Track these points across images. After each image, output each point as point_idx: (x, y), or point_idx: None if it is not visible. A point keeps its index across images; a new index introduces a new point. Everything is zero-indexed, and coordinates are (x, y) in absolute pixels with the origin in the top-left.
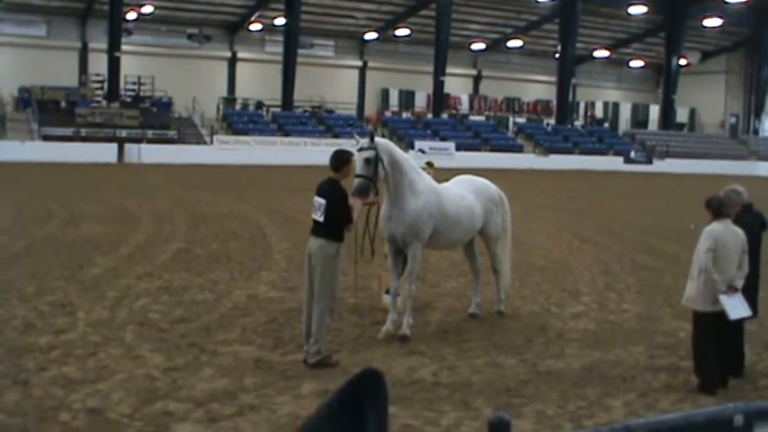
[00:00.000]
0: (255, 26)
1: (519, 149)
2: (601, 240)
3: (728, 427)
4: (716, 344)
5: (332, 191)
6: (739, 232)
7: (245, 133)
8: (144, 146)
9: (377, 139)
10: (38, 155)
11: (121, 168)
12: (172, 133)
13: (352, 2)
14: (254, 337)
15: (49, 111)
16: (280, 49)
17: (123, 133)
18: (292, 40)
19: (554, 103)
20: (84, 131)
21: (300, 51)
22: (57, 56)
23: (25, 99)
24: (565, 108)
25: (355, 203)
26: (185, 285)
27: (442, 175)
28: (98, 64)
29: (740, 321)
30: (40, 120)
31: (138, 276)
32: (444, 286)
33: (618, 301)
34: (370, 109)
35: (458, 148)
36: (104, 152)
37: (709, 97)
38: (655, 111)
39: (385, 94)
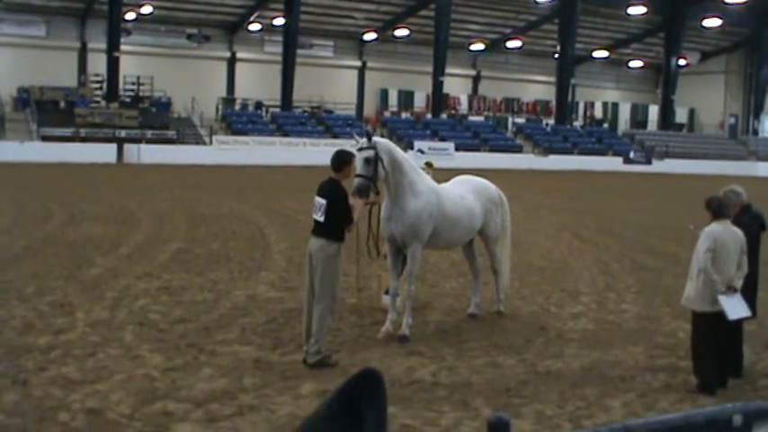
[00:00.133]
0: (255, 26)
1: (518, 150)
2: (600, 240)
3: (728, 427)
4: (715, 344)
5: (333, 191)
6: (738, 233)
7: (245, 133)
8: (143, 146)
9: (377, 138)
10: (37, 155)
11: (121, 168)
12: (171, 133)
13: (352, 2)
14: (253, 338)
15: (48, 111)
16: (279, 49)
17: (122, 133)
18: (291, 40)
19: (553, 103)
20: (83, 132)
21: (300, 52)
22: (56, 56)
23: (24, 99)
24: (564, 108)
25: (356, 203)
26: (185, 285)
27: (442, 175)
28: (97, 64)
29: (739, 322)
30: (39, 120)
31: (137, 276)
32: (443, 286)
33: (617, 301)
34: (370, 109)
35: (457, 149)
36: (104, 152)
37: (708, 97)
38: (654, 111)
39: (384, 94)
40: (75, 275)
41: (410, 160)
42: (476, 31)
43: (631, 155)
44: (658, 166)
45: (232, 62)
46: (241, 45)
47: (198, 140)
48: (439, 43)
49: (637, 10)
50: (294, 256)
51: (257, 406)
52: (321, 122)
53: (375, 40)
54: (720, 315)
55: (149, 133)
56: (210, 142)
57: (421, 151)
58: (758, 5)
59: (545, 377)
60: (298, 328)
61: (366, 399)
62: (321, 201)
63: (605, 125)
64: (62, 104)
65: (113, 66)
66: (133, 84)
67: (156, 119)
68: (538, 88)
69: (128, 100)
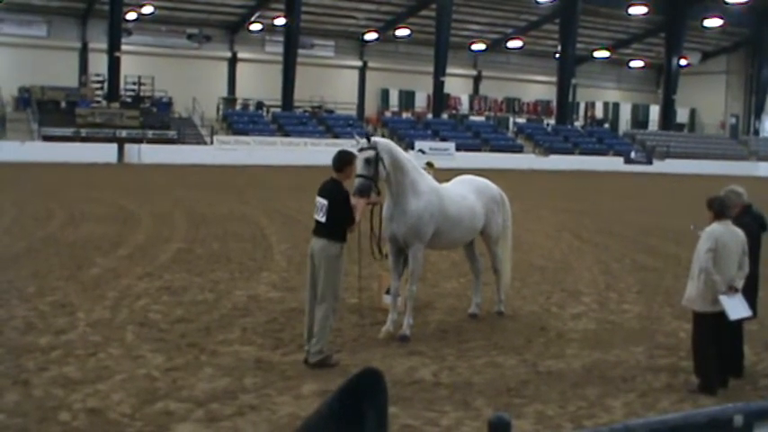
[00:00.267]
0: (255, 26)
1: (519, 150)
2: (601, 240)
3: (728, 427)
4: (716, 344)
5: (334, 191)
6: (740, 233)
7: (246, 133)
8: (144, 146)
9: (377, 139)
10: (38, 155)
11: (121, 169)
12: (172, 133)
13: (353, 2)
14: (254, 338)
15: (49, 111)
16: (280, 49)
17: (123, 133)
18: (292, 40)
19: (554, 103)
20: (84, 132)
21: (300, 51)
22: (57, 56)
23: (25, 99)
24: (565, 108)
25: (358, 204)
26: (185, 285)
27: (443, 175)
28: (98, 64)
29: (740, 322)
30: (40, 120)
31: (138, 276)
32: (444, 286)
33: (618, 301)
34: (371, 109)
35: (458, 149)
36: (104, 152)
37: (709, 98)
38: (655, 111)
39: (385, 94)
40: (75, 275)
41: (412, 160)
42: (477, 31)
43: (632, 155)
44: (659, 166)
45: (233, 62)
46: (242, 45)
47: (199, 140)
48: (440, 43)
49: (637, 10)
50: (295, 257)
51: (258, 406)
52: (322, 122)
53: (376, 40)
54: (721, 315)
55: (150, 133)
56: (211, 142)
57: (422, 151)
58: (759, 5)
59: (546, 377)
60: (298, 328)
61: (367, 398)
62: (323, 201)
63: (606, 125)
64: (63, 104)
65: (114, 66)
66: (134, 84)
67: (157, 119)
68: (539, 88)
69: (129, 100)
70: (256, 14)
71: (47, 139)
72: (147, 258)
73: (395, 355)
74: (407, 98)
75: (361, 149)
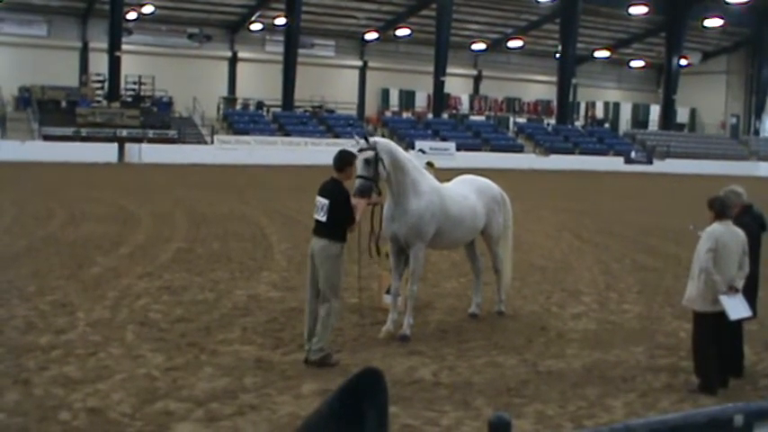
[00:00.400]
0: (256, 26)
1: (519, 149)
2: (601, 240)
3: (728, 427)
4: (716, 344)
5: (335, 191)
6: (740, 233)
7: (246, 133)
8: (144, 146)
9: (377, 139)
10: (38, 155)
11: (122, 168)
12: (172, 133)
13: (353, 2)
14: (254, 337)
15: (49, 110)
16: (280, 48)
17: (124, 133)
18: (293, 39)
19: (554, 103)
20: (84, 131)
21: (301, 51)
22: (57, 55)
23: (26, 99)
24: (565, 108)
25: (358, 204)
26: (186, 285)
27: (443, 175)
28: (98, 64)
29: (740, 322)
30: (40, 119)
31: (138, 276)
32: (444, 286)
33: (618, 301)
34: (371, 109)
35: (458, 149)
36: (105, 152)
37: (709, 97)
38: (655, 111)
39: (385, 94)
40: (76, 275)
41: (412, 160)
42: (477, 30)
43: (632, 155)
44: (659, 166)
45: (233, 62)
46: (242, 45)
47: (199, 140)
48: (440, 43)
49: (638, 10)
50: (295, 256)
51: (258, 405)
52: (322, 122)
53: (376, 39)
54: (722, 315)
55: (150, 133)
56: (212, 142)
57: (422, 151)
58: (759, 5)
59: (546, 377)
60: (299, 327)
61: (367, 398)
62: (323, 201)
63: (606, 125)
64: (63, 104)
65: (115, 65)
66: (134, 83)
67: (158, 118)
68: (539, 88)
69: (129, 99)
70: (257, 14)
71: (47, 138)
72: (148, 258)
73: (395, 355)
74: (408, 98)
75: (361, 150)
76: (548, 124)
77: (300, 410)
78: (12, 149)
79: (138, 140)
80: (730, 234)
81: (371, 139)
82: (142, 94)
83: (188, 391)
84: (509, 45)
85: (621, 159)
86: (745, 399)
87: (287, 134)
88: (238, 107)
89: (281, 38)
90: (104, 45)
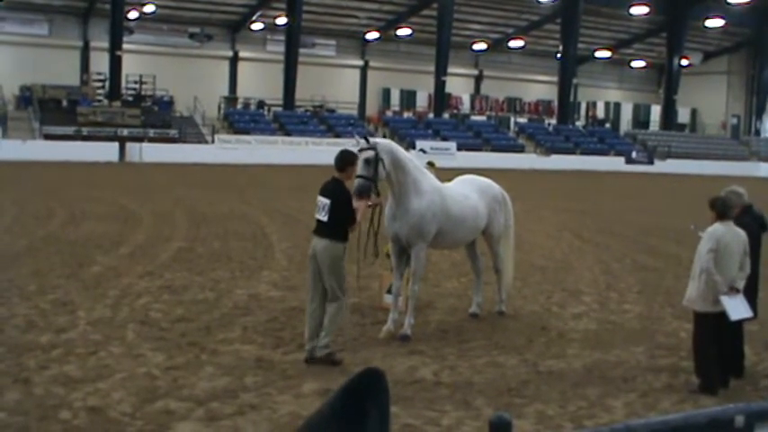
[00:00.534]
0: (257, 25)
1: (520, 149)
2: (602, 240)
3: (729, 427)
4: (717, 344)
5: (336, 191)
6: (741, 233)
7: (247, 132)
8: (145, 145)
9: (377, 139)
10: (39, 154)
11: (123, 167)
12: (173, 132)
13: (354, 1)
14: (254, 336)
15: (50, 109)
16: (281, 48)
17: (124, 132)
18: (294, 39)
19: (555, 103)
20: (85, 130)
21: (302, 51)
22: (58, 54)
23: (27, 98)
24: (566, 108)
25: (359, 204)
26: (186, 284)
27: (444, 175)
28: (99, 63)
29: (740, 322)
30: (41, 118)
31: (139, 275)
32: (445, 286)
33: (619, 301)
34: (372, 108)
35: (459, 148)
36: (106, 151)
37: (710, 98)
38: (656, 111)
39: (386, 93)
40: (76, 274)
41: (413, 160)
42: (478, 30)
43: (633, 155)
44: (660, 166)
45: (234, 61)
46: (243, 44)
47: (200, 139)
48: (441, 43)
49: (639, 10)
50: (296, 256)
51: (259, 405)
52: (323, 122)
53: (377, 39)
54: (722, 316)
55: (151, 132)
56: (212, 141)
57: (423, 151)
58: (760, 6)
59: (547, 377)
60: (299, 327)
61: (369, 398)
62: (324, 200)
63: (607, 125)
64: (64, 103)
65: (116, 64)
66: (135, 82)
67: (158, 118)
68: (540, 88)
69: (130, 99)
70: (258, 14)
71: (48, 137)
72: (148, 257)
73: (396, 355)
74: (409, 98)
75: (361, 150)
76: (549, 124)
77: (301, 410)
78: (12, 149)
79: (139, 140)
80: (732, 234)
81: (372, 140)
82: (143, 93)
83: (188, 391)
84: (510, 45)
85: (622, 159)
86: (745, 399)
87: (288, 134)
88: (239, 107)
89: (282, 37)
90: (105, 44)
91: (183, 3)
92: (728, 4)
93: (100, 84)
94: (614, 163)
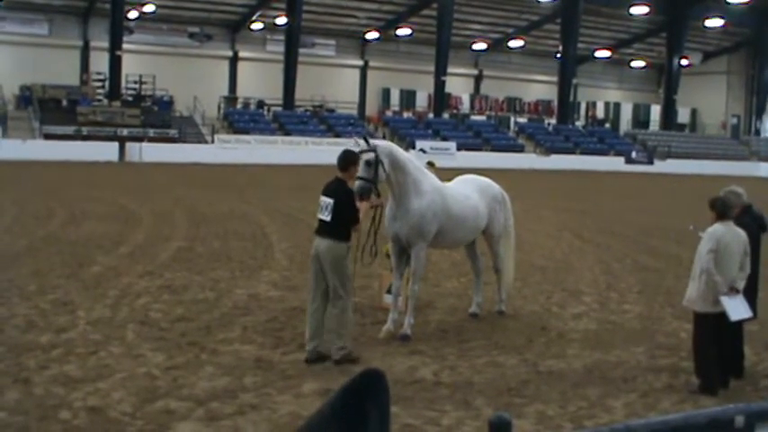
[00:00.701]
0: (257, 25)
1: (520, 149)
2: (602, 240)
3: (729, 427)
4: (717, 345)
5: (339, 190)
6: (741, 233)
7: (247, 132)
8: (145, 145)
9: (377, 141)
10: (39, 153)
11: (122, 167)
12: (173, 132)
13: (354, 1)
14: (254, 336)
15: (50, 109)
16: (281, 48)
17: (124, 132)
18: (294, 39)
19: (555, 103)
20: (85, 130)
21: (302, 51)
22: (58, 54)
23: (26, 97)
24: (566, 108)
25: (361, 205)
26: (186, 284)
27: (444, 174)
28: (99, 62)
29: (740, 322)
30: (41, 118)
31: (138, 275)
32: (445, 286)
33: (619, 301)
34: (372, 108)
35: (459, 148)
36: (105, 151)
37: (710, 98)
38: (656, 111)
39: (386, 93)
40: (76, 274)
41: (414, 160)
42: (478, 30)
43: (633, 155)
44: (660, 166)
45: (234, 61)
46: (243, 44)
47: (200, 139)
48: (441, 43)
49: (639, 10)
50: (296, 255)
51: (258, 405)
52: (323, 121)
53: (377, 39)
54: (722, 316)
55: (151, 132)
56: (212, 141)
57: (423, 151)
58: (760, 5)
59: (547, 377)
60: (299, 327)
61: (370, 398)
62: (327, 200)
63: (607, 125)
64: (64, 103)
65: (115, 64)
66: (135, 82)
67: (158, 117)
68: (540, 88)
69: (130, 98)
70: (257, 13)
71: (48, 137)
72: (148, 257)
73: (396, 355)
74: (408, 97)
75: (361, 152)
76: (548, 124)
77: (301, 410)
78: (12, 148)
79: (139, 139)
80: (732, 235)
81: (372, 142)
82: (143, 93)
83: (188, 391)
84: (510, 45)
85: (622, 159)
86: (745, 399)
87: (287, 133)
88: (239, 106)
89: (282, 37)
90: (105, 44)
91: (182, 2)
92: (728, 3)
93: (100, 83)
94: (614, 163)
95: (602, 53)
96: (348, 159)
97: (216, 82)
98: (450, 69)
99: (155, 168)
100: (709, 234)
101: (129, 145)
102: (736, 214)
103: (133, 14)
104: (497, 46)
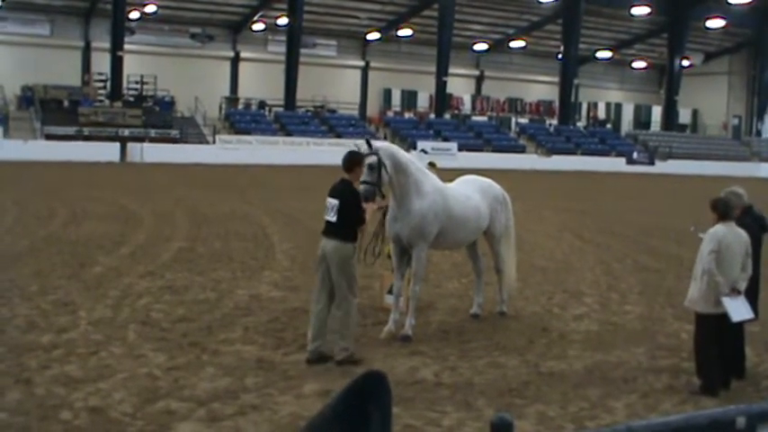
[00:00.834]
0: (258, 26)
1: (521, 150)
2: (603, 241)
3: (731, 428)
4: (718, 345)
5: (345, 191)
6: (743, 234)
7: (248, 133)
8: (146, 145)
9: (379, 144)
10: (40, 154)
11: (124, 168)
12: (174, 133)
13: (355, 2)
14: (255, 337)
15: (51, 110)
16: (282, 48)
17: (126, 132)
18: (295, 39)
19: (556, 103)
20: (86, 130)
21: (303, 51)
22: (60, 55)
23: (28, 98)
24: (567, 109)
25: (367, 207)
26: (187, 284)
27: (445, 175)
28: (101, 63)
29: (741, 323)
30: (42, 119)
31: (140, 275)
32: (446, 287)
33: (620, 302)
34: (373, 109)
35: (460, 149)
36: (107, 151)
37: (711, 98)
38: (657, 112)
39: (387, 94)
40: (77, 274)
41: (415, 162)
42: (479, 31)
43: (634, 155)
44: (661, 166)
45: (235, 61)
46: (244, 44)
47: (201, 140)
48: (442, 43)
49: (640, 10)
50: (297, 256)
51: (259, 405)
52: (324, 122)
53: (378, 39)
54: (724, 317)
55: (152, 132)
56: (213, 141)
57: (424, 151)
58: (762, 6)
59: (548, 378)
60: (300, 327)
61: (372, 400)
62: (333, 201)
63: (608, 126)
64: (66, 103)
65: (117, 65)
66: (136, 83)
67: (160, 118)
68: (541, 88)
69: (131, 99)
70: (259, 14)
71: (49, 137)
72: (149, 257)
73: (397, 355)
74: (410, 98)
75: (365, 155)
76: (549, 125)
77: (302, 411)
78: (14, 149)
79: (140, 140)
80: (733, 235)
81: (374, 145)
82: (144, 93)
83: (189, 391)
84: (511, 45)
85: (623, 160)
86: (747, 400)
87: (289, 134)
88: (240, 107)
89: (284, 38)
90: (107, 44)
91: (184, 3)
92: (729, 4)
93: (101, 84)
94: (615, 164)
95: (604, 54)
96: (353, 160)
97: (217, 82)
98: (452, 70)
99: (156, 169)
100: (711, 235)
101: (130, 145)
102: (738, 215)
103: (135, 15)
104: (498, 46)
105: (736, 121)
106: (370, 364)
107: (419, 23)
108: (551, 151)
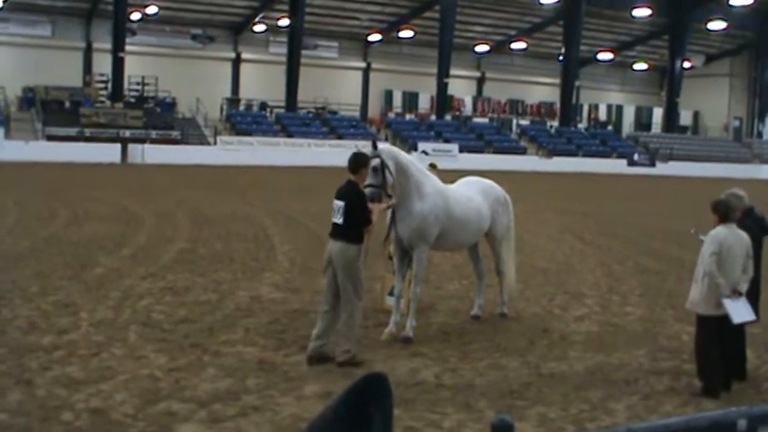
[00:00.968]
0: (259, 27)
1: (522, 151)
2: (604, 243)
3: (732, 430)
4: (719, 347)
5: (351, 192)
6: (744, 236)
7: (249, 134)
8: (147, 146)
9: (381, 146)
10: (41, 155)
11: (125, 168)
12: (175, 134)
13: (356, 3)
14: (257, 338)
15: (53, 111)
16: (284, 50)
17: (127, 133)
18: (296, 41)
19: (557, 105)
20: (87, 131)
21: (304, 52)
22: (61, 56)
23: (29, 99)
24: (568, 110)
25: (374, 207)
26: (188, 286)
27: (446, 177)
28: (102, 64)
29: (743, 325)
30: (44, 120)
31: (141, 277)
32: (447, 288)
33: (621, 303)
34: (374, 110)
35: (461, 150)
36: (108, 152)
37: (712, 100)
38: (658, 113)
39: (388, 95)
40: (79, 275)
41: (416, 163)
42: (480, 32)
43: (635, 157)
44: (662, 168)
45: (237, 63)
46: (246, 46)
47: (202, 141)
48: (443, 45)
49: (641, 12)
50: (298, 258)
51: (261, 407)
52: (325, 123)
53: (380, 41)
54: (725, 319)
55: (154, 133)
56: (215, 143)
57: (425, 153)
58: (763, 8)
59: (548, 379)
60: (301, 329)
61: (373, 402)
62: (339, 203)
63: (609, 127)
64: (67, 104)
65: (118, 66)
66: (138, 84)
67: (161, 119)
68: (542, 90)
69: (132, 100)
70: (260, 15)
71: (51, 138)
72: (150, 258)
73: (397, 357)
74: (411, 99)
75: (370, 157)
76: (551, 126)
77: (303, 412)
78: (15, 149)
79: (141, 141)
80: (735, 237)
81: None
82: (145, 94)
83: (191, 392)
84: (512, 47)
85: (624, 162)
86: (748, 402)
87: (290, 135)
88: (241, 108)
89: (285, 39)
90: (108, 46)
91: (185, 4)
92: (730, 6)
93: (102, 85)
94: (616, 165)
95: (605, 55)
96: (358, 161)
97: (218, 84)
98: (453, 71)
99: (157, 170)
100: (712, 237)
101: (131, 146)
102: (739, 217)
103: (136, 16)
104: (500, 48)
105: (737, 123)
106: (372, 365)
107: (420, 25)
108: (552, 153)
